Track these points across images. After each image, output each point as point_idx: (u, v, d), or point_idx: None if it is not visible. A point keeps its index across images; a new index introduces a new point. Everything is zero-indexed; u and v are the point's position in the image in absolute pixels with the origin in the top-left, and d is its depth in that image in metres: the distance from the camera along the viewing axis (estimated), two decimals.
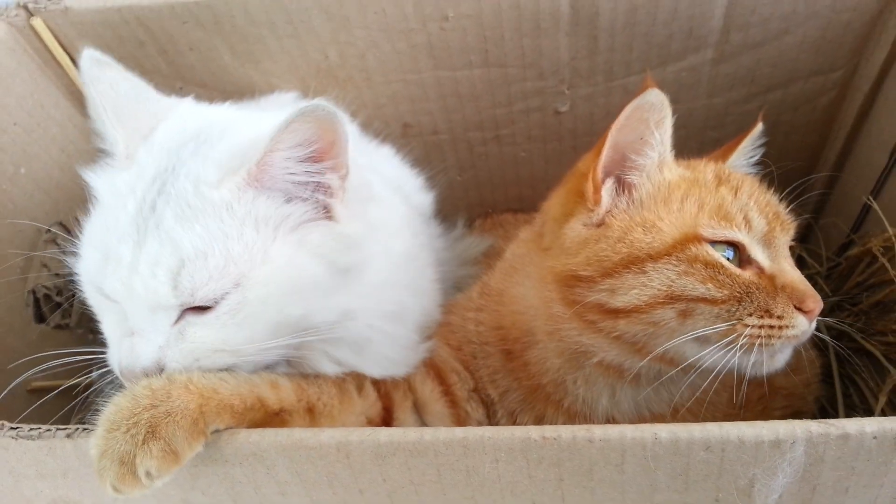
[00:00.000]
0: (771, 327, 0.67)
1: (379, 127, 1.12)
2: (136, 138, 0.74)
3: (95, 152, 1.10)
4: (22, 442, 0.65)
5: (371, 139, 1.08)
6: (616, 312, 0.70)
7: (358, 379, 0.80)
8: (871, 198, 1.02)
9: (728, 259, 0.69)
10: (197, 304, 0.66)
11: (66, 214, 1.07)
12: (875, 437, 0.56)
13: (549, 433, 0.59)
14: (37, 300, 1.00)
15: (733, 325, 0.67)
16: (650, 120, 0.71)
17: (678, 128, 1.13)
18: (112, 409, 0.64)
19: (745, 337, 0.67)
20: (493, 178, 1.28)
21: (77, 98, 1.07)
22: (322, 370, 0.76)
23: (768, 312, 0.68)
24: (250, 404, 0.66)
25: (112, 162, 0.75)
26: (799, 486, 0.60)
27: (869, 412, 1.01)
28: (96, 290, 0.71)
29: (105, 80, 0.74)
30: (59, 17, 0.98)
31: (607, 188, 0.73)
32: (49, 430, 0.65)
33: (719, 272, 0.68)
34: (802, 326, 0.68)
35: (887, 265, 0.99)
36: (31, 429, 0.65)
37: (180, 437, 0.61)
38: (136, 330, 0.67)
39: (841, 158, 1.14)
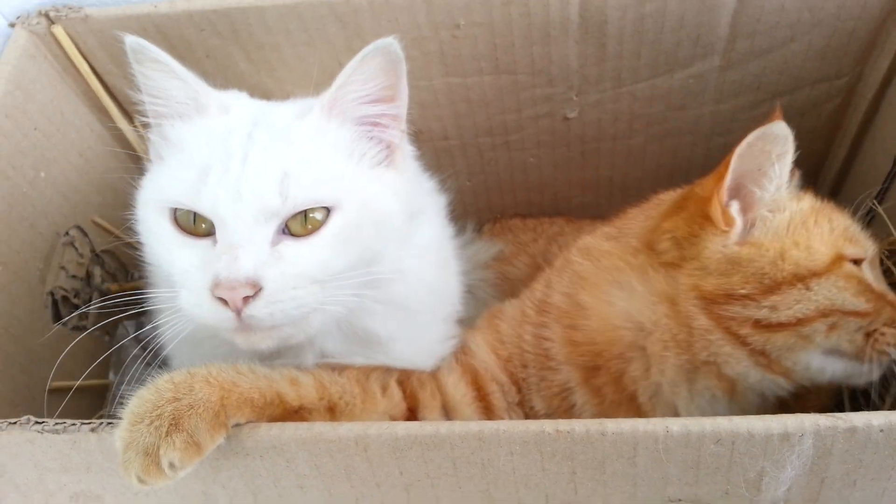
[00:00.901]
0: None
1: None
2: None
3: (112, 157, 1.13)
4: (47, 436, 0.66)
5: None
6: (774, 326, 0.74)
7: (383, 377, 0.81)
8: (875, 202, 1.03)
9: None
10: (300, 208, 0.70)
11: (84, 218, 1.09)
12: (882, 430, 0.58)
13: (563, 426, 0.60)
14: (55, 302, 1.02)
15: (869, 334, 0.74)
16: (772, 152, 0.75)
17: (684, 134, 1.17)
18: (136, 402, 0.65)
19: (880, 345, 0.74)
20: (502, 183, 1.29)
21: (95, 105, 1.09)
22: (353, 360, 0.80)
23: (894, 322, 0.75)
24: (269, 399, 0.68)
25: (193, 115, 0.78)
26: (807, 479, 0.62)
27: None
28: (175, 221, 0.73)
29: (160, 55, 0.78)
30: (79, 24, 1.00)
31: (735, 210, 0.77)
32: (74, 424, 0.67)
33: (865, 288, 0.75)
34: None
35: (892, 268, 1.00)
36: (57, 423, 0.67)
37: (203, 428, 0.62)
38: (237, 243, 0.68)
39: (846, 165, 1.16)
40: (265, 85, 1.07)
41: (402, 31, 0.99)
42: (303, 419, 0.71)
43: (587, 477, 0.63)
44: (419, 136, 1.19)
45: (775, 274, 0.73)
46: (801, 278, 0.73)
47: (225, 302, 0.66)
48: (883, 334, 0.73)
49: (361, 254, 0.74)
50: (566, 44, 1.02)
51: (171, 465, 0.61)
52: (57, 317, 1.03)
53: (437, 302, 0.91)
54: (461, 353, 0.89)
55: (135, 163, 1.17)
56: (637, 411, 0.80)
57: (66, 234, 1.05)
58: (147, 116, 0.80)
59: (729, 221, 0.75)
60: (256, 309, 0.67)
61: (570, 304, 0.86)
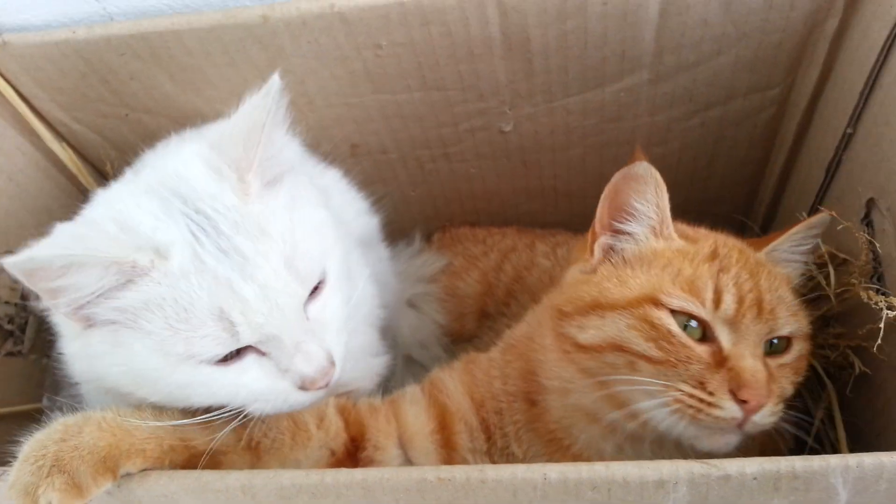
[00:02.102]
0: (700, 400, 0.70)
1: (327, 148, 1.13)
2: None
3: (46, 179, 1.13)
4: None
5: (318, 161, 1.09)
6: (581, 347, 0.76)
7: (319, 409, 0.80)
8: (804, 216, 1.03)
9: (687, 328, 0.73)
10: (318, 279, 0.73)
11: (16, 243, 1.08)
12: (755, 478, 0.58)
13: (444, 474, 0.61)
14: None
15: (667, 385, 0.70)
16: (633, 190, 0.78)
17: (622, 144, 1.16)
18: (29, 442, 0.66)
19: (674, 401, 0.70)
20: (447, 192, 1.29)
21: (25, 127, 1.09)
22: None
23: (702, 385, 0.70)
24: (168, 447, 0.68)
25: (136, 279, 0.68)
26: None
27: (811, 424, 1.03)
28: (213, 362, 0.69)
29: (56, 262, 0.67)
30: None
31: (600, 243, 0.81)
32: None
33: (664, 336, 0.72)
34: (732, 412, 0.69)
35: (821, 280, 1.00)
36: None
37: (84, 471, 0.63)
38: (298, 341, 0.70)
39: (784, 174, 1.15)
40: (194, 104, 1.06)
41: (324, 51, 0.98)
42: (218, 463, 0.71)
43: None
44: (356, 150, 1.18)
45: (585, 297, 0.77)
46: (599, 306, 0.75)
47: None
48: (678, 389, 0.70)
49: (350, 280, 0.79)
50: (492, 61, 1.01)
51: None
52: None
53: (367, 308, 0.93)
54: (431, 387, 0.88)
55: (71, 182, 1.18)
56: (566, 451, 0.81)
57: None
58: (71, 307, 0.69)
59: (592, 252, 0.80)
60: (335, 373, 0.73)
61: (526, 339, 0.89)
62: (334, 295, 0.75)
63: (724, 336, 0.73)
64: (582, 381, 0.77)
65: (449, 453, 0.83)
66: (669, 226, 0.80)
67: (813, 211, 1.05)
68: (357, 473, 0.62)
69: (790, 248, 0.88)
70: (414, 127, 1.14)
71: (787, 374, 0.76)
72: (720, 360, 0.72)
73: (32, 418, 1.07)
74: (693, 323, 0.73)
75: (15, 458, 0.67)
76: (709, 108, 1.09)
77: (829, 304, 1.00)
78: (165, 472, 0.65)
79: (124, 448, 0.65)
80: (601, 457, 0.80)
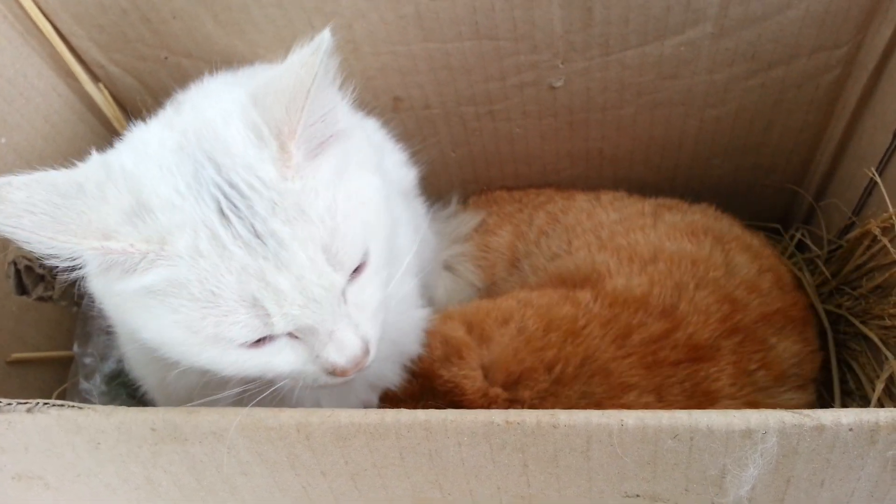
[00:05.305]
0: None
1: (369, 100, 1.09)
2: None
3: (81, 123, 1.10)
4: None
5: (356, 111, 1.05)
6: None
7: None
8: (875, 172, 0.98)
9: None
10: (356, 266, 0.65)
11: None
12: (851, 429, 0.54)
13: (514, 417, 0.57)
14: (17, 272, 0.99)
15: None
16: None
17: (676, 104, 1.11)
18: None
19: None
20: (488, 154, 1.25)
21: (61, 67, 1.05)
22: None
23: None
24: None
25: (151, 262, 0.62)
26: (772, 479, 0.58)
27: (865, 399, 0.99)
28: (253, 347, 0.64)
29: None
30: None
31: None
32: (10, 403, 0.64)
33: None
34: None
35: (888, 245, 0.96)
36: None
37: None
38: (332, 329, 0.64)
39: (844, 138, 1.10)
40: (236, 48, 1.03)
41: None
42: None
43: (539, 470, 0.60)
44: (399, 105, 1.14)
45: None
46: None
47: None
48: None
49: (393, 260, 0.72)
50: (549, 8, 0.97)
51: None
52: (20, 287, 1.00)
53: (409, 257, 0.85)
54: None
55: (105, 127, 1.14)
56: None
57: None
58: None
59: None
60: (368, 360, 0.67)
61: None
62: (375, 276, 0.68)
63: None
64: None
65: None
66: None
67: (880, 175, 1.00)
68: (420, 414, 0.58)
69: None
70: (461, 80, 1.09)
71: None
72: None
73: (61, 365, 1.05)
74: None
75: (46, 402, 0.63)
76: (771, 67, 1.04)
77: (892, 269, 0.97)
78: (215, 409, 0.61)
79: None
80: None
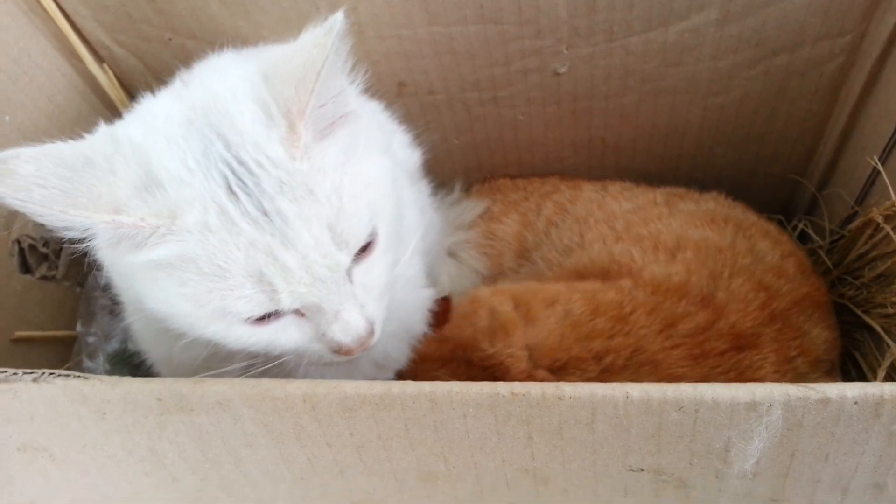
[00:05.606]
0: None
1: (373, 84, 1.09)
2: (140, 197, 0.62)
3: (84, 103, 1.10)
4: None
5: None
6: None
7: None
8: (877, 161, 0.99)
9: None
10: (361, 245, 0.65)
11: None
12: (856, 403, 0.54)
13: (518, 389, 0.57)
14: (21, 250, 0.99)
15: None
16: None
17: (679, 92, 1.12)
18: None
19: None
20: (491, 141, 1.25)
21: (65, 47, 1.05)
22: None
23: None
24: None
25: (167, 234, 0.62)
26: (777, 453, 0.58)
27: None
28: (258, 323, 0.65)
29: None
30: None
31: None
32: (15, 373, 0.64)
33: None
34: None
35: (891, 233, 0.96)
36: None
37: None
38: (338, 309, 0.64)
39: (848, 127, 1.11)
40: (240, 29, 1.03)
41: None
42: None
43: (544, 442, 0.60)
44: (403, 90, 1.14)
45: None
46: None
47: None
48: None
49: (400, 242, 0.72)
50: None
51: None
52: (24, 266, 1.00)
53: (416, 238, 0.84)
54: None
55: (108, 109, 1.14)
56: None
57: None
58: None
59: None
60: (373, 340, 0.67)
61: None
62: (382, 257, 0.68)
63: None
64: None
65: None
66: None
67: (884, 164, 1.00)
68: (425, 385, 0.59)
69: None
70: (465, 65, 1.09)
71: None
72: None
73: (64, 344, 1.05)
74: None
75: (52, 373, 0.63)
76: (775, 54, 1.04)
77: (891, 260, 0.97)
78: (221, 379, 0.62)
79: None
80: None
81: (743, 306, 0.85)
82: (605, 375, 0.79)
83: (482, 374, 0.80)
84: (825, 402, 0.55)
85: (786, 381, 0.80)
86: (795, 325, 0.87)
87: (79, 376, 0.63)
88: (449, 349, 0.83)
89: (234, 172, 0.61)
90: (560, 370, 0.80)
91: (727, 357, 0.81)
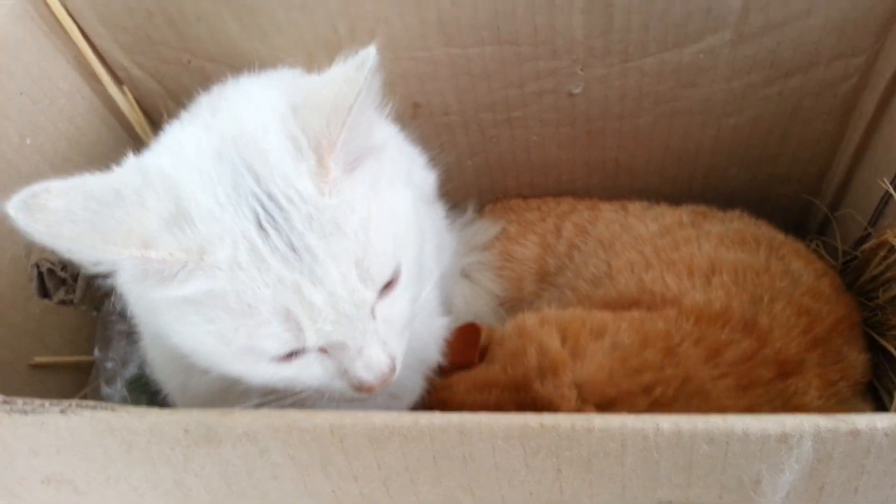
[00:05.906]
0: None
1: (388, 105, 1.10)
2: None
3: (104, 126, 1.10)
4: (15, 416, 0.63)
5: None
6: None
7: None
8: (888, 184, 0.99)
9: None
10: (389, 279, 0.65)
11: None
12: (887, 435, 0.54)
13: (548, 421, 0.57)
14: (41, 274, 0.99)
15: None
16: None
17: (694, 113, 1.12)
18: None
19: None
20: (504, 163, 1.25)
21: (85, 69, 1.06)
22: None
23: None
24: None
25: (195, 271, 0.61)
26: (806, 485, 0.58)
27: (883, 410, 0.99)
28: (283, 360, 0.65)
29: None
30: None
31: None
32: (42, 404, 0.64)
33: None
34: None
35: None
36: (25, 402, 0.64)
37: None
38: (361, 346, 0.64)
39: (861, 148, 1.11)
40: (257, 51, 1.03)
41: None
42: None
43: (573, 475, 0.60)
44: (418, 111, 1.15)
45: None
46: None
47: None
48: None
49: (422, 275, 0.72)
50: (571, 13, 0.97)
51: None
52: (42, 290, 1.00)
53: (431, 264, 0.85)
54: None
55: (127, 132, 1.15)
56: None
57: None
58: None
59: None
60: (394, 376, 0.67)
61: None
62: (405, 292, 0.68)
63: None
64: None
65: None
66: None
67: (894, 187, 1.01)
68: (454, 417, 0.58)
69: None
70: (481, 86, 1.10)
71: None
72: None
73: (81, 369, 1.05)
74: None
75: (80, 404, 0.62)
76: (789, 75, 1.04)
77: None
78: (249, 411, 0.61)
79: None
80: None
81: (786, 331, 0.83)
82: (654, 408, 0.76)
83: (530, 406, 0.79)
84: (855, 433, 0.54)
85: (830, 406, 0.80)
86: (836, 348, 0.85)
87: (106, 407, 0.63)
88: (507, 385, 0.82)
89: (263, 207, 0.61)
90: (609, 405, 0.78)
91: (773, 384, 0.79)
